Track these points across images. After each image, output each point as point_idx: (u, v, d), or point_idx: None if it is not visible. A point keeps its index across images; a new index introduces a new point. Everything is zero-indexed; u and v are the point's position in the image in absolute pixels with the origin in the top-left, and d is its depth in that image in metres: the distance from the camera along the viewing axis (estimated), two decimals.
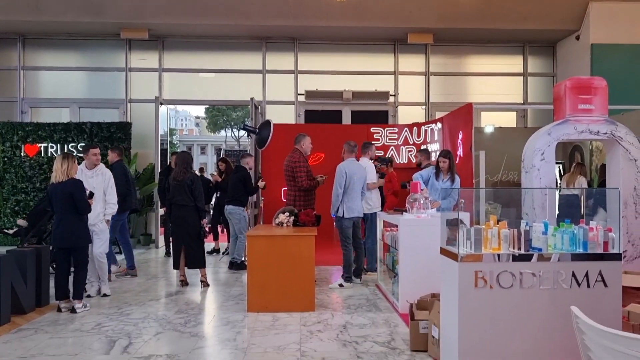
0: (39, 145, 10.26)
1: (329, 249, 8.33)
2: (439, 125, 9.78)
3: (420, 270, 5.03)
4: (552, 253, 3.19)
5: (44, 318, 4.98)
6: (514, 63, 11.87)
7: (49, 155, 10.30)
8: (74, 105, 11.18)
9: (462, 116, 8.13)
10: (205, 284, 6.42)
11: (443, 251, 3.44)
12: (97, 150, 6.20)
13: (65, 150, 10.26)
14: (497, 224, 3.33)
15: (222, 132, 47.61)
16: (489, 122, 11.04)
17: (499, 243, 3.22)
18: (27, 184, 10.23)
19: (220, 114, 43.61)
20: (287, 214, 6.14)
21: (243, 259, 7.60)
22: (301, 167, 6.58)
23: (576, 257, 3.18)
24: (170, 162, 8.66)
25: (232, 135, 46.53)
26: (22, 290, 5.05)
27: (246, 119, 39.26)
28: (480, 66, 11.87)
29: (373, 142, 10.47)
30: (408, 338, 4.21)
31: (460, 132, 8.15)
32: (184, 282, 6.47)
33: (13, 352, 3.96)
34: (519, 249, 3.20)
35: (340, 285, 6.32)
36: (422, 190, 5.73)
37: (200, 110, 49.32)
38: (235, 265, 7.48)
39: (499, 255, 3.16)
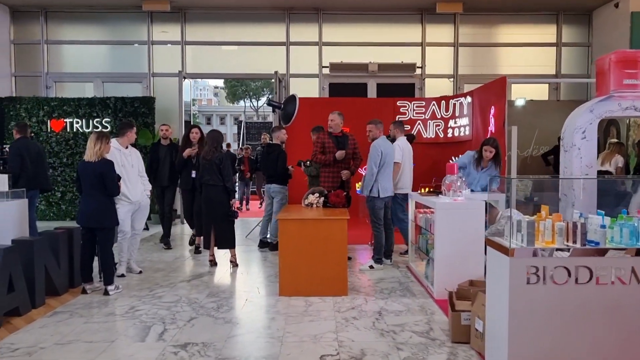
0: (65, 120, 10.24)
1: (353, 226, 8.21)
2: (469, 99, 9.48)
3: (456, 255, 4.89)
4: (610, 247, 3.00)
5: (77, 300, 4.98)
6: (547, 32, 11.39)
7: (75, 130, 10.29)
8: (97, 80, 11.10)
9: (494, 90, 7.83)
10: (234, 264, 6.38)
11: (490, 243, 3.28)
12: (135, 129, 6.14)
13: (91, 126, 10.23)
14: (550, 215, 3.15)
15: (241, 103, 47.37)
16: (520, 94, 10.67)
17: (553, 236, 3.04)
18: (54, 159, 10.26)
19: (239, 84, 43.31)
20: (316, 194, 6.01)
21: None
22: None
23: (638, 252, 2.99)
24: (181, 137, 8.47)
25: (251, 105, 46.29)
26: (55, 272, 5.05)
27: (269, 94, 39.02)
28: (512, 36, 11.43)
29: (400, 116, 10.28)
30: (447, 327, 4.11)
31: (493, 106, 7.86)
32: (212, 262, 6.44)
33: (50, 338, 3.95)
34: (574, 242, 3.02)
35: (371, 267, 6.22)
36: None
37: (219, 81, 49.01)
38: (271, 247, 7.38)
39: (553, 249, 2.99)
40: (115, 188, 5.11)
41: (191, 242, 7.68)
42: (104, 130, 9.96)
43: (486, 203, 5.04)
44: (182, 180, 7.34)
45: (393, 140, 6.99)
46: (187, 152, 7.13)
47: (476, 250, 4.89)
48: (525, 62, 11.36)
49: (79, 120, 10.27)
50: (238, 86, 44.05)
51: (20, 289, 4.45)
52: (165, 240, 7.63)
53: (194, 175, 7.04)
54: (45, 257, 4.88)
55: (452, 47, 11.39)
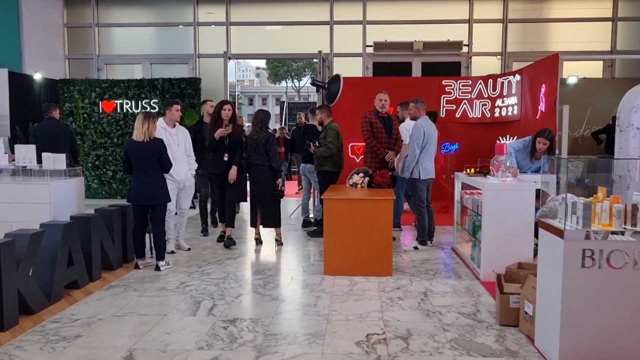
0: (115, 101, 10.55)
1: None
2: (518, 77, 9.21)
3: (505, 237, 4.80)
4: None
5: (131, 275, 5.19)
6: (601, 7, 10.88)
7: (125, 111, 10.59)
8: (145, 62, 11.37)
9: (545, 68, 7.57)
10: (279, 242, 6.48)
11: (543, 225, 3.21)
12: (179, 107, 6.14)
13: (139, 107, 10.51)
14: (607, 197, 3.05)
15: (283, 83, 47.50)
16: (572, 72, 10.27)
17: (611, 219, 2.95)
18: (105, 139, 10.61)
19: (280, 65, 43.41)
20: (361, 174, 6.00)
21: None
22: (365, 122, 6.55)
23: None
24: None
25: (293, 86, 46.35)
26: (110, 247, 5.26)
27: (310, 75, 38.91)
28: (564, 11, 10.97)
29: (445, 94, 10.08)
30: (494, 310, 4.07)
31: (543, 85, 7.61)
32: (258, 241, 6.56)
33: (107, 310, 4.14)
34: (634, 225, 2.92)
35: (415, 247, 6.19)
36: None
37: (261, 61, 49.26)
38: (316, 223, 7.44)
39: (610, 232, 2.90)
40: (169, 164, 5.27)
41: (220, 239, 6.76)
42: (150, 110, 10.21)
43: (538, 190, 4.92)
44: (212, 163, 6.41)
45: (402, 121, 6.94)
46: (219, 133, 6.20)
47: (525, 232, 4.80)
48: (578, 38, 10.91)
49: (129, 102, 10.56)
50: (280, 66, 44.16)
51: (78, 262, 4.66)
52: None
53: (226, 158, 6.28)
54: (100, 233, 5.09)
55: (501, 24, 11.04)
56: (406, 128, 6.56)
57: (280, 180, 6.42)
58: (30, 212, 5.31)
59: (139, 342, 3.50)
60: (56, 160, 5.61)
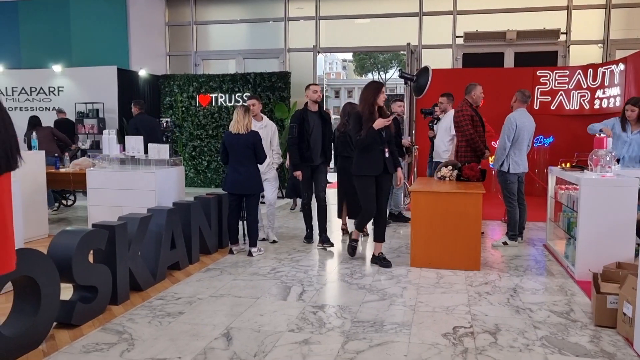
0: (211, 95, 11.15)
1: (485, 201, 7.98)
2: (622, 66, 8.66)
3: (602, 235, 4.58)
4: None
5: (225, 259, 5.52)
6: None
7: (219, 104, 11.15)
8: (239, 57, 11.89)
9: None
10: (365, 233, 6.58)
11: None
12: (254, 101, 6.13)
13: (233, 100, 11.02)
14: None
15: (369, 75, 47.37)
16: None
17: None
18: (201, 131, 11.25)
19: (367, 57, 43.31)
20: (450, 167, 5.94)
21: (401, 209, 7.64)
22: (466, 117, 6.18)
23: None
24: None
25: (379, 78, 46.11)
26: (207, 232, 5.62)
27: (397, 67, 38.48)
28: None
29: (539, 86, 9.66)
30: (589, 310, 3.92)
31: None
32: (345, 231, 6.70)
33: (205, 291, 4.45)
34: None
35: (505, 243, 6.05)
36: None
37: (347, 54, 49.39)
38: (393, 217, 7.51)
39: None
40: (264, 156, 5.56)
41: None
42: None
43: None
44: (367, 162, 5.18)
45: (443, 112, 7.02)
46: (380, 123, 4.97)
47: (626, 231, 4.55)
48: None
49: (223, 95, 11.11)
50: (366, 59, 44.07)
51: (180, 245, 5.04)
52: (323, 237, 6.07)
53: (387, 154, 5.26)
54: (199, 219, 5.45)
55: (604, 9, 10.37)
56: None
57: None
58: (137, 198, 5.81)
59: (234, 321, 3.75)
60: (161, 151, 6.07)
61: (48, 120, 9.64)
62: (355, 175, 5.20)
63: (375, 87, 5.21)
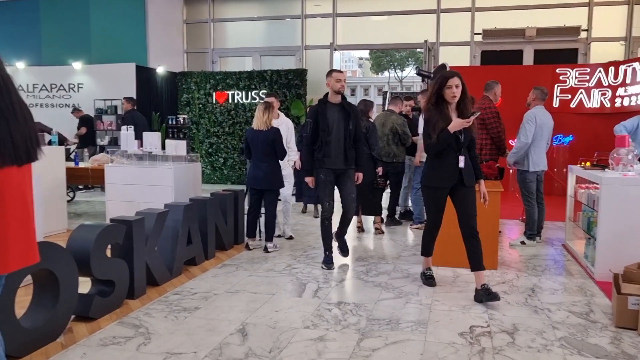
0: (227, 92, 11.19)
1: (503, 199, 7.89)
2: None
3: (623, 235, 4.51)
4: None
5: (241, 255, 5.54)
6: None
7: (236, 101, 11.19)
8: (255, 54, 11.93)
9: None
10: (379, 231, 6.55)
11: None
12: (272, 99, 6.11)
13: (249, 97, 11.05)
14: None
15: (385, 73, 47.20)
16: None
17: None
18: (217, 128, 11.31)
19: (383, 55, 43.16)
20: None
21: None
22: (494, 114, 6.07)
23: None
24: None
25: (395, 76, 45.89)
26: (223, 228, 5.64)
27: (414, 64, 38.24)
28: None
29: (559, 83, 9.53)
30: (609, 311, 3.85)
31: None
32: (360, 229, 6.68)
33: (221, 286, 4.47)
34: None
35: (522, 242, 5.97)
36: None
37: (364, 52, 49.27)
38: (406, 216, 7.44)
39: None
40: (284, 153, 5.57)
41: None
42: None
43: None
44: (437, 172, 4.41)
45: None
46: (458, 124, 3.97)
47: None
48: None
49: (240, 92, 11.15)
50: (383, 57, 43.91)
51: (196, 241, 5.07)
52: (341, 242, 5.37)
53: (462, 164, 4.20)
54: (215, 215, 5.48)
55: (627, 5, 10.19)
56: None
57: (380, 168, 6.47)
58: (155, 194, 5.86)
59: (250, 317, 3.75)
60: (178, 147, 6.10)
61: (67, 116, 9.78)
62: (422, 185, 4.40)
63: (438, 78, 4.13)
